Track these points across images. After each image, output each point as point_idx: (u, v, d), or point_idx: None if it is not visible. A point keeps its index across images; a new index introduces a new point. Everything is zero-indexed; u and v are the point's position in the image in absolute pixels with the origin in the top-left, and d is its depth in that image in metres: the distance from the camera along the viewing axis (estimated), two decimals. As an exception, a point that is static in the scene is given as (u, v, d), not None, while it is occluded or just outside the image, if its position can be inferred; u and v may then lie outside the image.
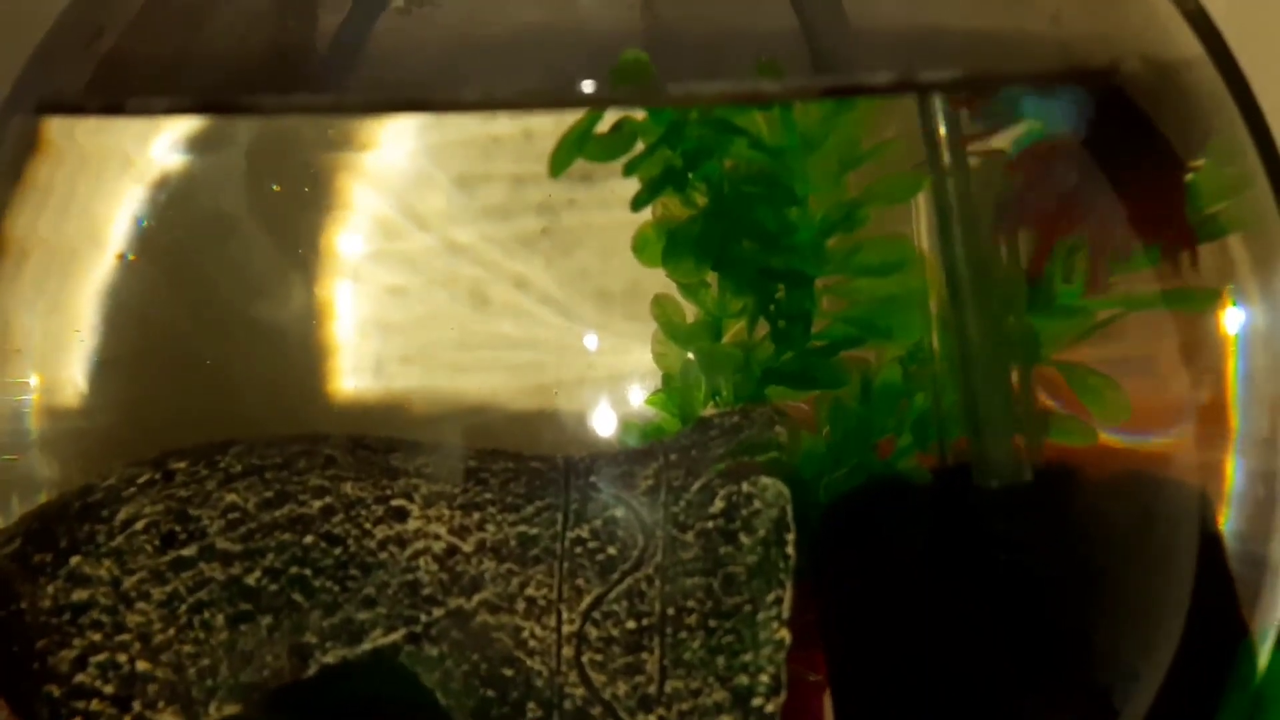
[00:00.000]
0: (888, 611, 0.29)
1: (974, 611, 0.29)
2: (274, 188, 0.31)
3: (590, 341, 0.31)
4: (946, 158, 0.29)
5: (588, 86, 0.27)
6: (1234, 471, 0.30)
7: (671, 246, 0.32)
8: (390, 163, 0.31)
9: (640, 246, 0.32)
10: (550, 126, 0.29)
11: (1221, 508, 0.30)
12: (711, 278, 0.33)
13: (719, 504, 0.26)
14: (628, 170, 0.29)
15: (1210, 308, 0.31)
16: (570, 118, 0.28)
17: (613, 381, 0.32)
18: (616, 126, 0.29)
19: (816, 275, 0.31)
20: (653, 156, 0.29)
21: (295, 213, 0.31)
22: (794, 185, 0.30)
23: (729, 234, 0.31)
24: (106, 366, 0.32)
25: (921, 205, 0.30)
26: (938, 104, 0.28)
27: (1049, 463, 0.31)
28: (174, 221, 0.31)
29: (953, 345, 0.31)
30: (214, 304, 0.31)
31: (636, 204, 0.30)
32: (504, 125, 0.30)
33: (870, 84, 0.29)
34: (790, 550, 0.25)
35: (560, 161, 0.28)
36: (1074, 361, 0.31)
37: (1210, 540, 0.30)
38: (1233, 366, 0.31)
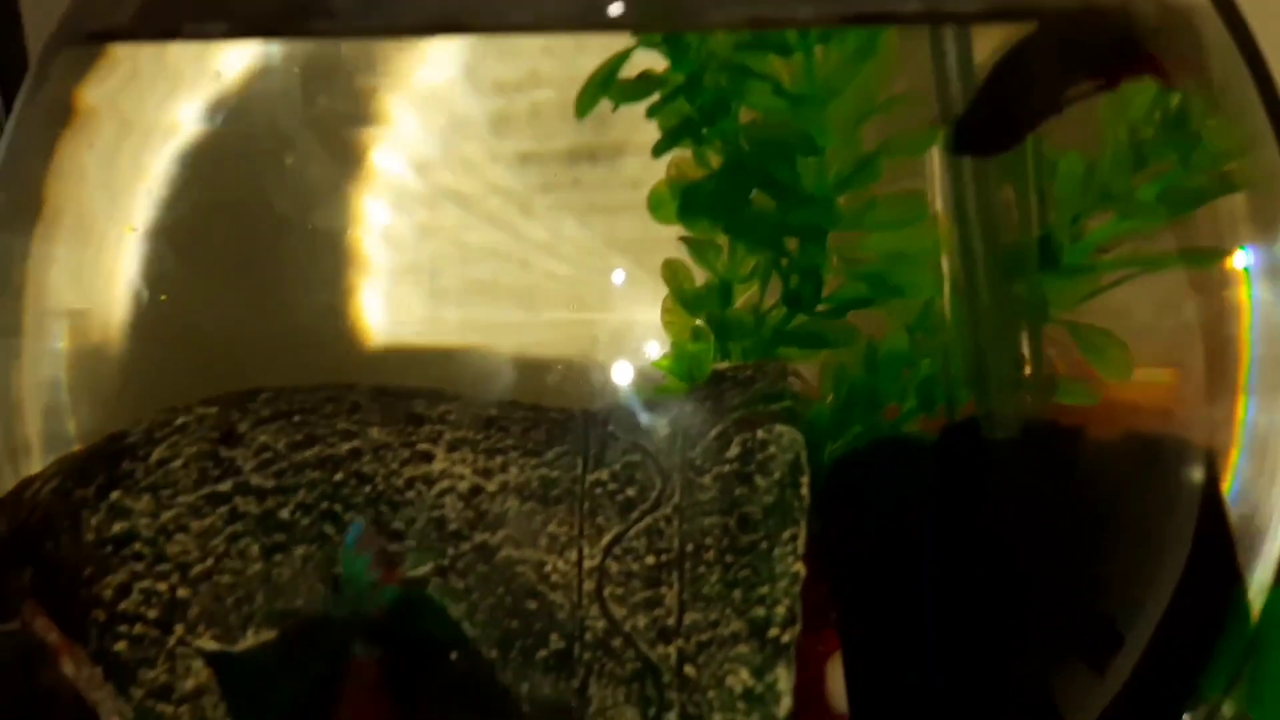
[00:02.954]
0: (896, 562, 0.30)
1: (980, 559, 0.29)
2: (319, 110, 0.32)
3: (618, 283, 0.32)
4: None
5: (615, 9, 0.27)
6: (1242, 424, 0.31)
7: (687, 204, 0.32)
8: (432, 84, 0.31)
9: (655, 205, 0.33)
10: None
11: (1228, 459, 0.31)
12: (722, 241, 0.33)
13: (734, 449, 0.27)
14: (649, 114, 0.30)
15: (1219, 266, 0.31)
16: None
17: (635, 334, 0.33)
18: (641, 75, 0.30)
19: (831, 229, 0.31)
20: (672, 105, 0.30)
21: (339, 138, 0.32)
22: (813, 135, 0.30)
23: (744, 190, 0.32)
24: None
25: (936, 163, 0.31)
26: (953, 51, 0.28)
27: (1054, 419, 0.32)
28: (228, 143, 0.32)
29: (963, 303, 0.31)
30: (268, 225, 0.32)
31: (656, 151, 0.31)
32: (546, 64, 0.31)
33: (899, 12, 0.29)
34: (805, 492, 0.26)
35: (585, 103, 0.29)
36: (1078, 320, 0.32)
37: (1210, 493, 0.31)
38: (1246, 322, 0.31)
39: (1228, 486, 0.31)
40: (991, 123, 0.30)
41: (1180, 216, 0.31)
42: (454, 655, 0.29)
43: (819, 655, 0.31)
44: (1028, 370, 0.32)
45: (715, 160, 0.32)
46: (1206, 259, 0.32)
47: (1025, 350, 0.32)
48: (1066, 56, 0.29)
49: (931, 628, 0.29)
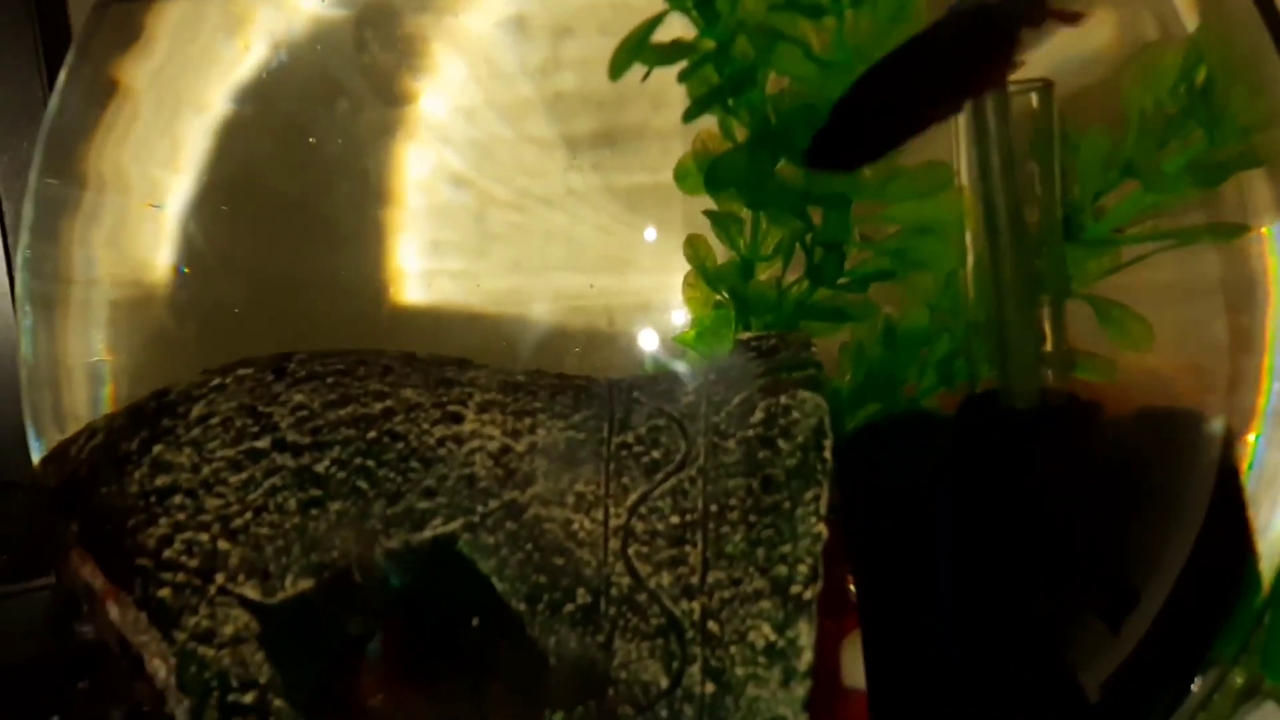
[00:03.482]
0: (914, 530, 0.30)
1: (998, 528, 0.30)
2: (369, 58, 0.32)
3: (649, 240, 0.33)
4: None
5: None
6: (1267, 396, 0.31)
7: (712, 175, 0.33)
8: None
9: (681, 176, 0.33)
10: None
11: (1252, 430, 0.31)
12: (745, 216, 0.34)
13: (759, 415, 0.28)
14: (680, 78, 0.30)
15: (1241, 241, 0.31)
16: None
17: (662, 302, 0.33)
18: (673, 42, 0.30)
19: (856, 199, 0.32)
20: (702, 71, 0.30)
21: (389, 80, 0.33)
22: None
23: (771, 160, 0.32)
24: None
25: (961, 135, 0.31)
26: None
27: (1073, 392, 0.32)
28: (281, 90, 0.33)
29: (985, 277, 0.32)
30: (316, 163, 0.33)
31: (686, 117, 0.31)
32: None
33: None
34: (828, 455, 0.26)
35: (619, 64, 0.30)
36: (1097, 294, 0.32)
37: (1226, 468, 0.31)
38: (1276, 295, 0.32)
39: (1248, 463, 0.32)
40: (847, 140, 0.28)
41: (1206, 188, 0.31)
42: (475, 621, 0.30)
43: (834, 636, 0.32)
44: (1048, 346, 0.32)
45: (741, 133, 0.33)
46: (1231, 233, 0.32)
47: (1046, 325, 0.33)
48: (936, 71, 0.28)
49: (949, 594, 0.30)
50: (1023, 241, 0.31)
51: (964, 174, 0.32)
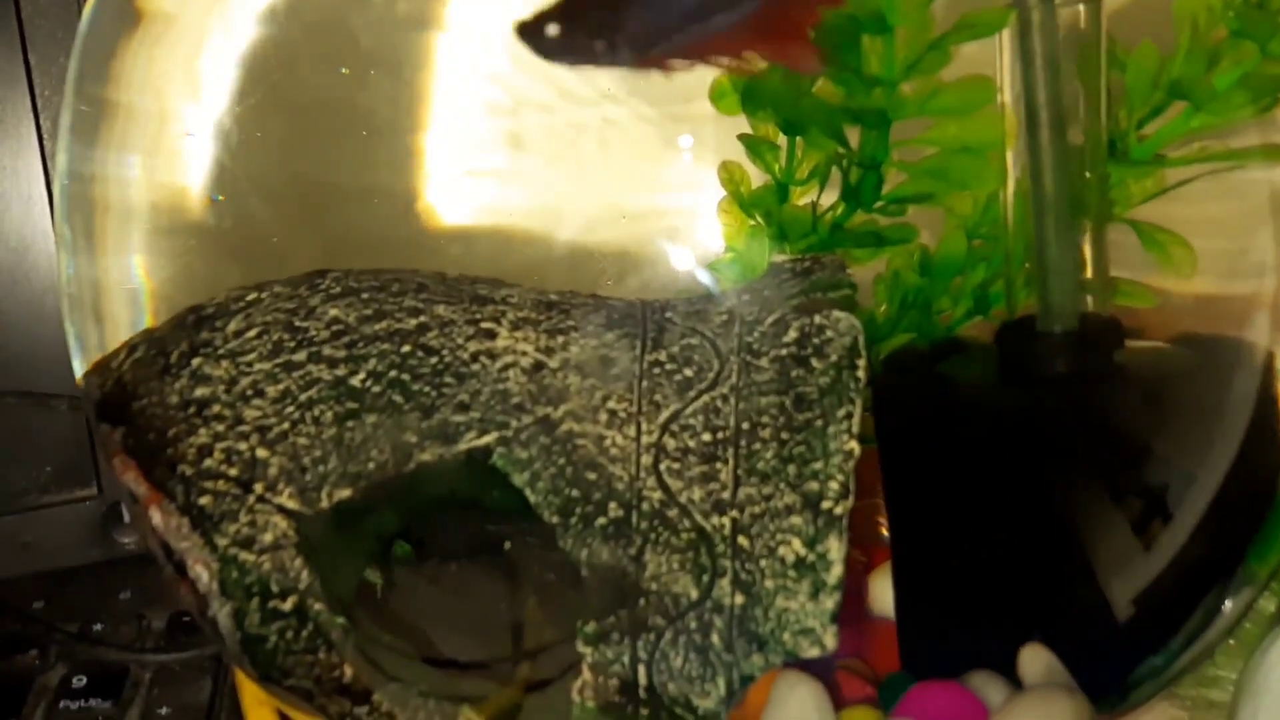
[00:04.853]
0: (949, 453, 0.30)
1: (1034, 449, 0.30)
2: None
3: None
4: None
5: None
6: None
7: (750, 94, 0.32)
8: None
9: (718, 96, 0.33)
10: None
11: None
12: (781, 142, 0.33)
13: (792, 334, 0.28)
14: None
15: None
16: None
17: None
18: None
19: (896, 117, 0.31)
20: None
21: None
22: (885, 13, 0.30)
23: (809, 78, 0.31)
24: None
25: (1005, 51, 0.30)
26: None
27: (1114, 316, 0.32)
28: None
29: (1025, 199, 0.31)
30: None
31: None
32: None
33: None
34: (861, 374, 0.26)
35: None
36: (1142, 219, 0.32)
37: (1266, 394, 0.31)
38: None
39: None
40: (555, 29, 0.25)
41: (1259, 106, 0.30)
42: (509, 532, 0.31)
43: (861, 567, 0.32)
44: (1089, 271, 0.32)
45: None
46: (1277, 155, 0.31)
47: (1087, 250, 0.32)
48: None
49: (984, 522, 0.29)
50: (1066, 161, 0.30)
51: (1007, 93, 0.31)
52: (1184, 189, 0.32)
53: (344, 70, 0.33)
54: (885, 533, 0.32)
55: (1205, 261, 0.32)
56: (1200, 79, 0.30)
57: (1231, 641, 0.31)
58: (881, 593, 0.32)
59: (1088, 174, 0.31)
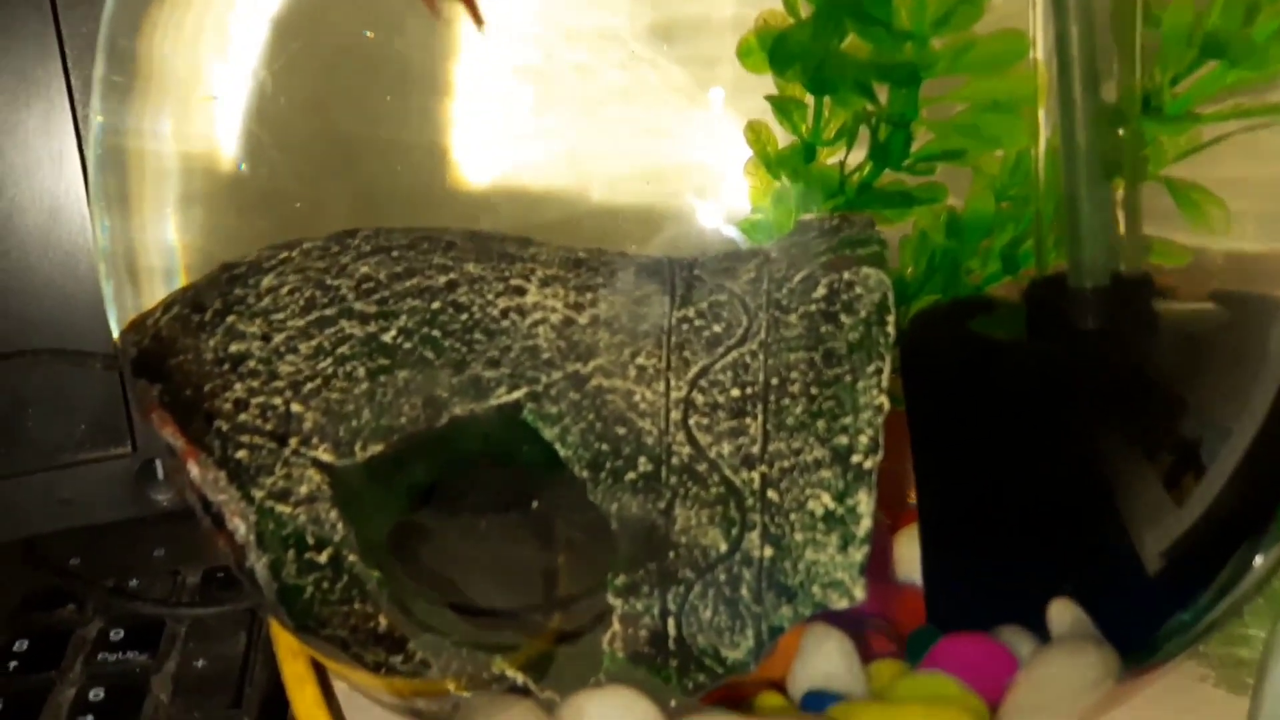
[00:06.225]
0: (979, 403, 0.30)
1: (1064, 390, 0.29)
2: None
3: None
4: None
5: None
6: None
7: (778, 50, 0.32)
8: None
9: (745, 53, 0.33)
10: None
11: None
12: (808, 101, 0.33)
13: (821, 290, 0.28)
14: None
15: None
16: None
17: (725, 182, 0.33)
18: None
19: (926, 75, 0.31)
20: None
21: None
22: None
23: (837, 32, 0.31)
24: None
25: (1038, 5, 0.30)
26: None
27: (1146, 273, 0.32)
28: None
29: (1056, 157, 0.31)
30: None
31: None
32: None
33: None
34: (890, 329, 0.26)
35: None
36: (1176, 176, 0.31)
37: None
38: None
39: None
40: None
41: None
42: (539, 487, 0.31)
43: (885, 529, 0.32)
44: (1121, 229, 0.32)
45: (805, 10, 0.32)
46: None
47: (1119, 208, 0.32)
48: None
49: (1012, 483, 0.29)
50: (1099, 117, 0.30)
51: (1039, 48, 0.30)
52: (1217, 147, 0.31)
53: (368, 34, 0.33)
54: (911, 499, 0.32)
55: (1240, 223, 0.31)
56: (1238, 32, 0.30)
57: (1261, 600, 0.31)
58: (907, 555, 0.32)
59: (1121, 131, 0.31)
